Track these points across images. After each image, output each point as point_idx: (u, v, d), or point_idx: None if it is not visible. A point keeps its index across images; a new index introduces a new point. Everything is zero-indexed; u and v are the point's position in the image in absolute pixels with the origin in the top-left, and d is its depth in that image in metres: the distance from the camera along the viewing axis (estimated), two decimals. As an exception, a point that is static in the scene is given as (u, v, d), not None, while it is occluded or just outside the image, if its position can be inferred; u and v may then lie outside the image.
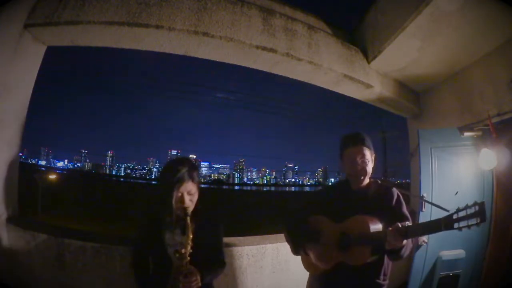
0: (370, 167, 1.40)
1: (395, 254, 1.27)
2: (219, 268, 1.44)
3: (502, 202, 2.54)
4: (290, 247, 1.51)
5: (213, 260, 1.41)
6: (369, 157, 1.40)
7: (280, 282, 2.30)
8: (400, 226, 1.16)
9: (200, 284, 1.24)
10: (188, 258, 1.23)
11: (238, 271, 2.15)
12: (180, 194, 1.30)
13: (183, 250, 1.23)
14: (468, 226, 0.97)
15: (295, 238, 1.48)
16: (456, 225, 1.00)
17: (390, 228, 1.17)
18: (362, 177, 1.39)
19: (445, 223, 1.03)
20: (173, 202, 1.28)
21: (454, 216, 1.01)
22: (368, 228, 1.26)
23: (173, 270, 1.24)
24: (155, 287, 1.31)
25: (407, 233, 1.14)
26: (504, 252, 2.42)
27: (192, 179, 1.32)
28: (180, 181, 1.29)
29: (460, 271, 2.57)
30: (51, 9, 2.15)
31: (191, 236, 1.24)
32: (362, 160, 1.38)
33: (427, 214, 2.52)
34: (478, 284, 2.57)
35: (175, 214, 1.31)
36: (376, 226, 1.28)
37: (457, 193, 2.59)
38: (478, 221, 0.95)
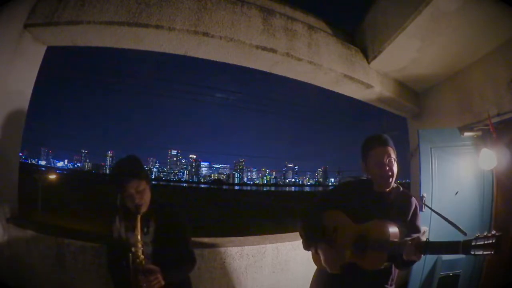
0: (396, 167, 1.38)
1: (406, 265, 1.27)
2: (187, 265, 1.42)
3: (502, 202, 2.54)
4: (302, 242, 1.48)
5: (178, 257, 1.39)
6: (394, 157, 1.38)
7: (280, 282, 2.30)
8: (420, 240, 1.16)
9: (162, 283, 1.23)
10: (142, 256, 1.24)
11: (238, 271, 2.15)
12: (127, 193, 1.29)
13: (133, 249, 1.23)
14: (483, 255, 0.99)
15: (308, 233, 1.44)
16: (472, 251, 1.01)
17: (410, 242, 1.17)
18: (390, 179, 1.36)
19: (463, 247, 1.04)
20: (118, 201, 1.30)
21: (473, 243, 1.02)
22: (389, 235, 1.24)
23: (131, 270, 1.24)
24: (125, 285, 1.30)
25: (426, 249, 1.14)
26: (504, 252, 2.41)
27: (138, 176, 1.31)
28: (125, 180, 1.28)
29: (460, 271, 2.57)
30: (51, 9, 2.15)
31: (139, 235, 1.24)
32: (389, 160, 1.35)
33: (427, 215, 2.52)
34: (478, 284, 2.57)
35: (129, 212, 1.31)
36: (395, 234, 1.27)
37: (457, 193, 2.59)
38: (492, 252, 0.97)
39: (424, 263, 2.57)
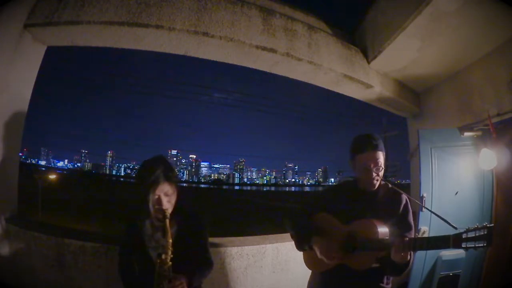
0: (383, 171, 1.36)
1: (396, 270, 1.23)
2: (207, 269, 1.40)
3: (502, 202, 2.54)
4: (295, 242, 1.45)
5: (199, 261, 1.37)
6: (382, 162, 1.34)
7: (280, 282, 2.30)
8: (408, 239, 1.13)
9: None
10: (170, 263, 1.19)
11: (238, 271, 2.15)
12: (156, 196, 1.25)
13: (163, 256, 1.18)
14: (475, 248, 0.97)
15: (300, 231, 1.42)
16: (463, 245, 1.00)
17: (398, 239, 1.15)
18: (375, 181, 1.35)
19: (454, 241, 1.03)
20: (150, 205, 1.24)
21: (463, 236, 1.00)
22: (377, 234, 1.22)
23: (155, 276, 1.19)
24: None
25: (414, 246, 1.12)
26: (504, 252, 2.41)
27: (168, 180, 1.27)
28: (156, 183, 1.24)
29: (460, 271, 2.57)
30: (51, 9, 2.15)
31: (171, 240, 1.20)
32: (376, 167, 1.33)
33: (427, 215, 2.52)
34: (478, 284, 2.56)
35: (155, 216, 1.27)
36: (384, 233, 1.24)
37: (457, 193, 2.59)
38: (485, 244, 0.96)
39: (424, 263, 2.57)
